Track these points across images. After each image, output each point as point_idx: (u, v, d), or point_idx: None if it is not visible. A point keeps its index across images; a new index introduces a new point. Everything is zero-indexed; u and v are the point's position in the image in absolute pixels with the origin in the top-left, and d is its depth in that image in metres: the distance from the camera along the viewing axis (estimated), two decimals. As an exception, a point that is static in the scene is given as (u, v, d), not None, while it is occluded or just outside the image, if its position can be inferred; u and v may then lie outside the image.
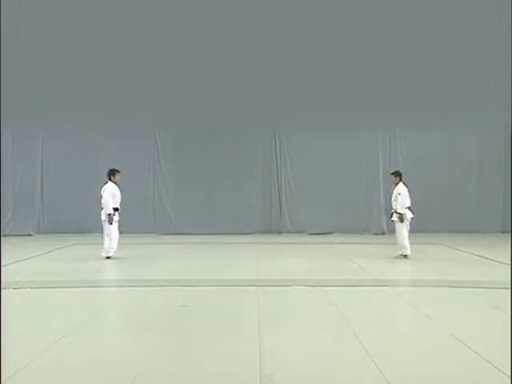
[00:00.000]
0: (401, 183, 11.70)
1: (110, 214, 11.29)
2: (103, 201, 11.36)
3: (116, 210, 11.41)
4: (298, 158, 17.55)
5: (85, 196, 16.73)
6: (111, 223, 11.32)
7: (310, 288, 8.22)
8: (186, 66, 16.75)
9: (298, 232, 17.20)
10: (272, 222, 17.59)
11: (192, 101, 16.94)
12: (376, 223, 17.33)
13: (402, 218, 11.41)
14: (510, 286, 7.78)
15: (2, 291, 7.27)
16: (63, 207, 17.08)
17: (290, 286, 8.35)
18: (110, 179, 11.62)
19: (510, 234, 15.52)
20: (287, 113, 17.18)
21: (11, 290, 7.90)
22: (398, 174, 11.90)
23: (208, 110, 17.02)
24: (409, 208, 11.55)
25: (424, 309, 6.82)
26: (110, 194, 11.39)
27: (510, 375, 4.39)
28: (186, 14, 16.43)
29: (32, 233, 17.07)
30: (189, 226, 17.14)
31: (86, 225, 16.02)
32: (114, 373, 4.60)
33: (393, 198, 11.73)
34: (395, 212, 11.49)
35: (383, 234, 17.05)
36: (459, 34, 16.28)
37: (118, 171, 11.72)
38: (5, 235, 16.04)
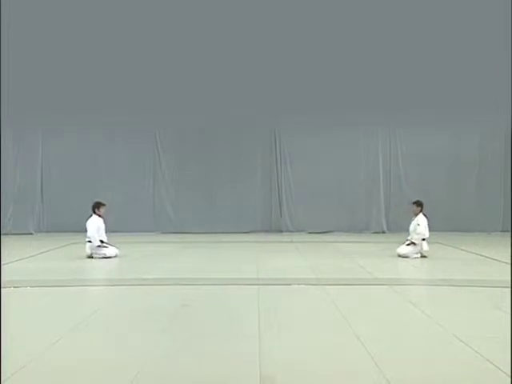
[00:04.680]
0: (421, 214, 11.59)
1: (98, 246, 11.36)
2: (89, 234, 11.39)
3: (101, 242, 11.45)
4: (297, 157, 17.56)
5: (85, 195, 16.76)
6: (106, 247, 11.44)
7: (309, 287, 8.22)
8: (186, 67, 16.75)
9: (298, 231, 17.21)
10: (272, 221, 17.61)
11: (192, 101, 16.93)
12: (376, 222, 17.36)
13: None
14: (510, 285, 7.77)
15: (1, 290, 7.26)
16: (63, 206, 17.10)
17: (290, 284, 8.35)
18: (95, 212, 11.62)
19: (510, 233, 15.53)
20: (287, 113, 17.18)
21: (11, 288, 7.89)
22: (419, 204, 11.71)
23: (208, 109, 17.03)
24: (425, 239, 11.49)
25: (424, 308, 6.81)
26: (95, 228, 11.43)
27: (510, 375, 4.38)
28: (185, 14, 16.42)
29: (32, 231, 17.09)
30: (189, 225, 17.15)
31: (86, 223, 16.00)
32: (113, 372, 4.59)
33: (411, 228, 11.66)
34: (411, 243, 11.44)
35: (383, 232, 17.09)
36: (460, 33, 16.26)
37: (104, 204, 11.77)
38: (5, 234, 16.06)
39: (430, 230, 11.66)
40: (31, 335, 5.69)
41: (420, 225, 11.46)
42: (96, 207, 11.67)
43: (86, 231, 11.53)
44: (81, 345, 5.38)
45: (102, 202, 11.83)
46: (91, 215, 11.64)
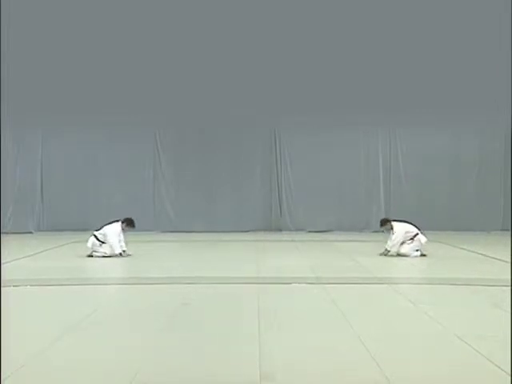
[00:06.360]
0: (393, 223, 11.51)
1: (120, 254, 11.27)
2: (111, 241, 11.16)
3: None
4: (297, 156, 17.56)
5: (85, 195, 16.98)
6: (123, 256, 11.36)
7: (310, 286, 8.21)
8: (186, 67, 16.73)
9: (298, 230, 17.20)
10: (272, 220, 17.61)
11: (192, 101, 16.93)
12: (376, 221, 17.26)
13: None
14: (510, 284, 7.77)
15: (1, 289, 7.25)
16: (63, 206, 17.11)
17: (290, 283, 8.35)
18: (122, 223, 11.42)
19: (510, 232, 15.53)
20: (287, 113, 17.17)
21: (11, 287, 7.89)
22: (383, 223, 11.78)
23: (208, 109, 17.02)
24: (421, 232, 11.47)
25: (424, 307, 6.80)
26: (116, 236, 11.25)
27: (510, 374, 4.38)
28: (185, 14, 16.40)
29: (32, 230, 17.09)
30: (189, 224, 17.14)
31: (86, 223, 15.99)
32: (113, 371, 4.59)
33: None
34: (387, 251, 11.40)
35: (383, 231, 17.03)
36: (459, 33, 16.24)
37: (134, 226, 11.58)
38: (5, 233, 16.06)
39: (430, 230, 11.69)
40: (31, 334, 5.69)
41: (395, 233, 11.35)
42: (126, 222, 11.45)
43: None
44: (80, 344, 5.37)
45: (135, 222, 11.63)
46: (115, 221, 11.45)
